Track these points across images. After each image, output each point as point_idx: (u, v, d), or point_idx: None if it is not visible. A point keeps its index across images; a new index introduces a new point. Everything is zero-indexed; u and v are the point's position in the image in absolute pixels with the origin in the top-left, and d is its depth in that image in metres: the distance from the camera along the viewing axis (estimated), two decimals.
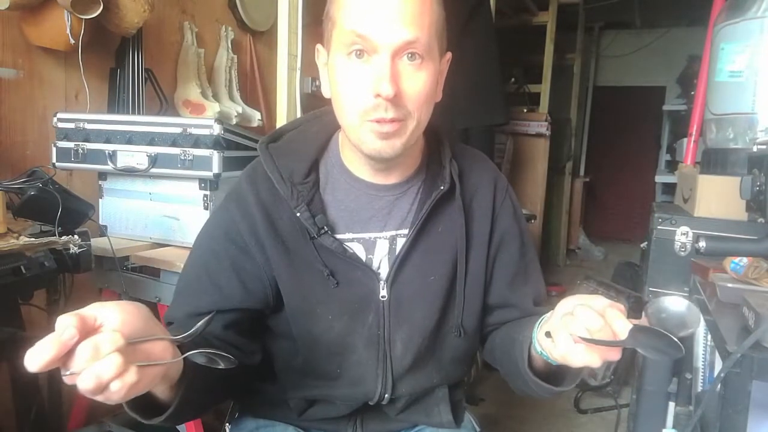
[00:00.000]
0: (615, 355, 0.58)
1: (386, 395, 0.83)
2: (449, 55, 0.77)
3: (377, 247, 0.79)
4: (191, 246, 0.82)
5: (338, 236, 0.77)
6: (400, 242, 0.79)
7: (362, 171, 0.78)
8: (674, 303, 0.57)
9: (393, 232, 0.80)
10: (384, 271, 0.79)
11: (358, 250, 0.79)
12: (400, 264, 0.78)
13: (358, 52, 0.67)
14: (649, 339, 0.54)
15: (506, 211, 0.86)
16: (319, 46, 0.76)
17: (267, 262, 0.76)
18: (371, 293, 0.78)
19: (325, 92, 0.76)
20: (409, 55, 0.67)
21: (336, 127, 0.80)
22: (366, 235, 0.79)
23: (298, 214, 0.74)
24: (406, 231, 0.79)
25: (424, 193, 0.80)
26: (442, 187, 0.78)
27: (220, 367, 0.56)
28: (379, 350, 0.80)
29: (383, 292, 0.78)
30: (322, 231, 0.75)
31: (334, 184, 0.79)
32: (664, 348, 0.54)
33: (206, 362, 0.56)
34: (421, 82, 0.68)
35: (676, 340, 0.53)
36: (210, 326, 0.59)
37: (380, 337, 0.80)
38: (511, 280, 0.85)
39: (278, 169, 0.76)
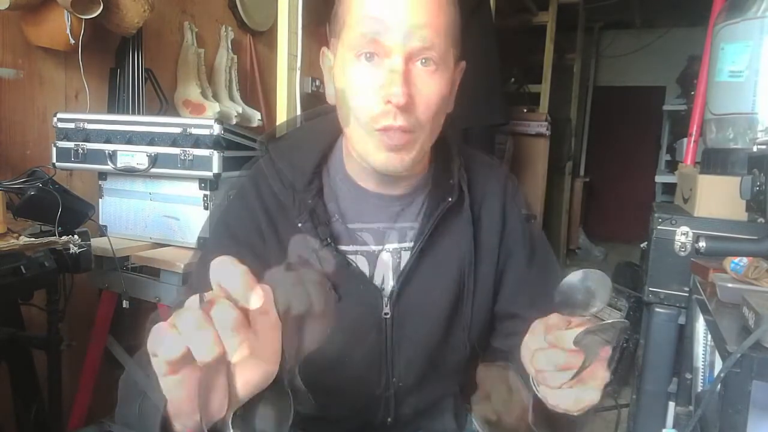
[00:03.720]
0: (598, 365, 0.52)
1: (389, 419, 0.79)
2: (463, 64, 0.72)
3: (380, 261, 0.75)
4: (191, 246, 0.82)
5: (341, 248, 0.73)
6: (405, 256, 0.75)
7: (366, 181, 0.74)
8: (574, 286, 0.51)
9: (397, 245, 0.75)
10: (388, 287, 0.75)
11: (362, 263, 0.74)
12: (405, 280, 0.74)
13: (368, 55, 0.63)
14: (596, 338, 0.49)
15: (513, 217, 0.81)
16: (324, 50, 0.72)
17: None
18: (374, 310, 0.74)
19: (330, 98, 0.72)
20: (423, 61, 0.63)
21: (341, 129, 0.76)
22: (369, 248, 0.75)
23: (300, 225, 0.70)
24: (411, 244, 0.75)
25: (430, 204, 0.75)
26: (450, 199, 0.74)
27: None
28: (381, 372, 0.76)
29: (386, 309, 0.74)
30: (325, 243, 0.70)
31: (337, 193, 0.75)
32: (612, 332, 0.49)
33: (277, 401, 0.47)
34: (434, 89, 0.64)
35: (613, 322, 0.48)
36: None
37: (382, 357, 0.75)
38: (519, 290, 0.80)
39: (279, 176, 0.73)
